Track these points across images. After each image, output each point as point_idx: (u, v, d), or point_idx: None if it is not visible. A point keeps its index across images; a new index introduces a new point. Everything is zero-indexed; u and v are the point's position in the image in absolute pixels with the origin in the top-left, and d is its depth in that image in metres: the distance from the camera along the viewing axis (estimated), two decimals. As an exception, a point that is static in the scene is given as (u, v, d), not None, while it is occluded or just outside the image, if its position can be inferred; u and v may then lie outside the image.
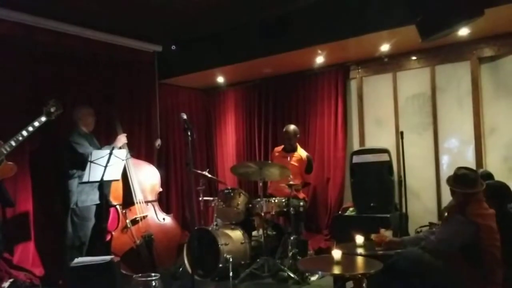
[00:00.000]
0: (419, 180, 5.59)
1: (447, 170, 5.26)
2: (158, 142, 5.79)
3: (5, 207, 4.55)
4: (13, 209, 4.67)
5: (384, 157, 5.40)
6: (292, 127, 5.57)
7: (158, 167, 5.50)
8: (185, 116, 3.87)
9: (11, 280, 4.45)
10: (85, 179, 4.29)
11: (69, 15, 5.14)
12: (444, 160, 5.48)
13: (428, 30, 3.54)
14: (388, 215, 5.17)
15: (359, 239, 3.85)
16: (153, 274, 3.70)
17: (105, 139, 5.25)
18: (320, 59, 5.79)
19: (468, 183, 3.02)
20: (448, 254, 2.98)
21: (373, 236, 3.64)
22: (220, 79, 6.81)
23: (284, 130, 5.60)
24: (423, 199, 5.58)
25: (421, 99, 5.63)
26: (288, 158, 5.46)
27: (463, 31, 4.70)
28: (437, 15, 3.37)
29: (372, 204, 5.33)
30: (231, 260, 4.45)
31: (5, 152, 3.69)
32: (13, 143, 3.74)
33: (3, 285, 4.32)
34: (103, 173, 4.31)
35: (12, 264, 4.66)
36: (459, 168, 3.15)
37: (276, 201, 4.99)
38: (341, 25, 4.98)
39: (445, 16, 3.34)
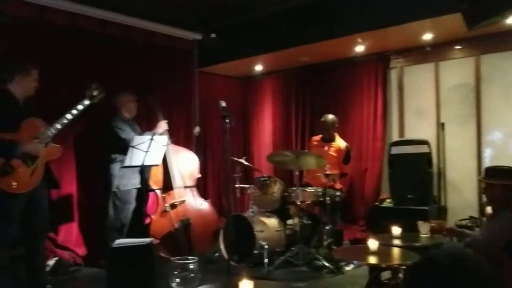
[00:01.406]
0: (460, 173, 5.47)
1: (489, 163, 5.10)
2: (197, 130, 5.85)
3: (51, 189, 4.72)
4: (58, 191, 4.82)
5: (423, 149, 5.31)
6: (330, 116, 5.52)
7: (196, 153, 5.57)
8: (224, 104, 3.89)
9: (56, 258, 4.64)
10: (126, 163, 4.40)
11: (111, 3, 5.24)
12: (487, 153, 5.33)
13: (474, 18, 3.39)
14: (426, 208, 5.09)
15: (396, 230, 3.80)
16: (190, 258, 3.78)
17: (146, 126, 5.35)
18: (359, 48, 5.70)
19: (509, 175, 2.95)
20: (492, 251, 2.91)
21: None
22: (259, 67, 6.81)
23: (322, 119, 5.55)
24: (464, 192, 5.45)
25: (464, 90, 5.47)
26: (326, 148, 5.43)
27: (512, 19, 4.53)
28: (484, 2, 3.24)
29: (409, 196, 5.25)
30: (266, 247, 4.49)
31: (51, 134, 3.76)
32: (58, 126, 3.80)
33: (48, 263, 4.50)
34: (144, 158, 4.42)
35: (56, 243, 4.86)
36: (493, 166, 3.09)
37: (312, 190, 4.99)
38: (382, 13, 4.88)
39: (493, 2, 3.21)
